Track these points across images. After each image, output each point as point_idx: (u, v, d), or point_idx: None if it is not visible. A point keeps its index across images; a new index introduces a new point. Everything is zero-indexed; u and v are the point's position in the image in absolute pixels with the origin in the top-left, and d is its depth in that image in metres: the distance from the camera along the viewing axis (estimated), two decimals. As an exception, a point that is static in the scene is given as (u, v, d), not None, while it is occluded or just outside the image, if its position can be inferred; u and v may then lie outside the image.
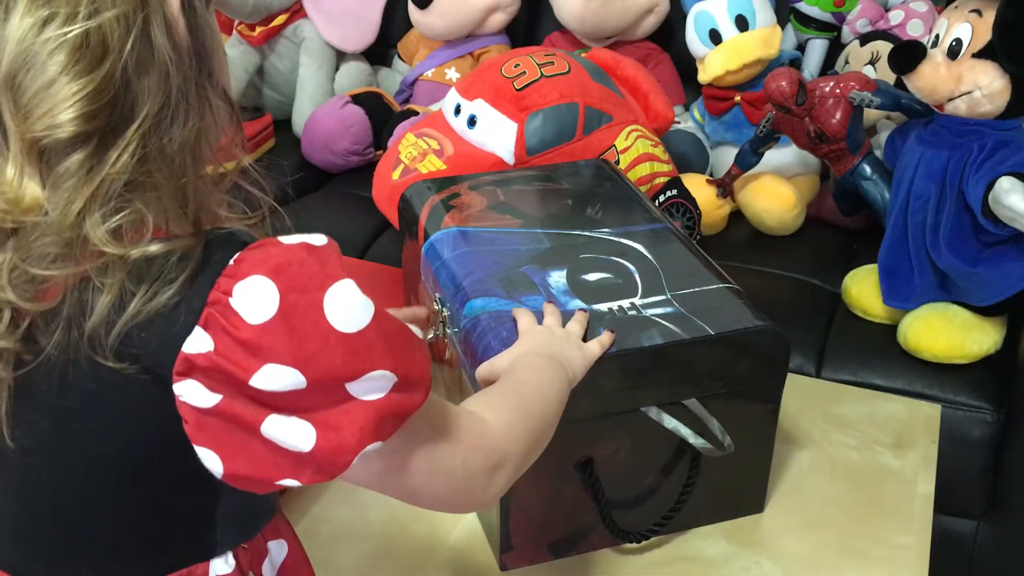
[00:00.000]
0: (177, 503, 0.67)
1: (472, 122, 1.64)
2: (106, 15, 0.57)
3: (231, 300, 0.58)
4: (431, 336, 1.10)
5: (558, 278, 1.04)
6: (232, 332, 0.58)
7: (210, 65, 0.64)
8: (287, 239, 0.61)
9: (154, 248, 0.59)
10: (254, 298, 0.58)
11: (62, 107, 0.57)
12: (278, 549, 0.76)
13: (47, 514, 0.66)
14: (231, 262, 0.59)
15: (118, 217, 0.58)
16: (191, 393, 0.59)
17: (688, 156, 1.87)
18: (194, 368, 0.58)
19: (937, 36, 1.43)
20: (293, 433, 0.60)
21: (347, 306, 0.60)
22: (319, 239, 0.61)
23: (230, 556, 0.70)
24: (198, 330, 0.58)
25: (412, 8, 2.10)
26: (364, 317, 0.60)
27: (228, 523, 0.69)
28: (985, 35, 1.37)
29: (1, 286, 0.58)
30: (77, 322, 0.59)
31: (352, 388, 0.60)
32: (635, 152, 1.59)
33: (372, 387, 0.61)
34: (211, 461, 0.61)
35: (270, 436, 0.60)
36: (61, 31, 0.57)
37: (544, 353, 0.87)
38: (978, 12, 1.38)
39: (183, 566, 0.68)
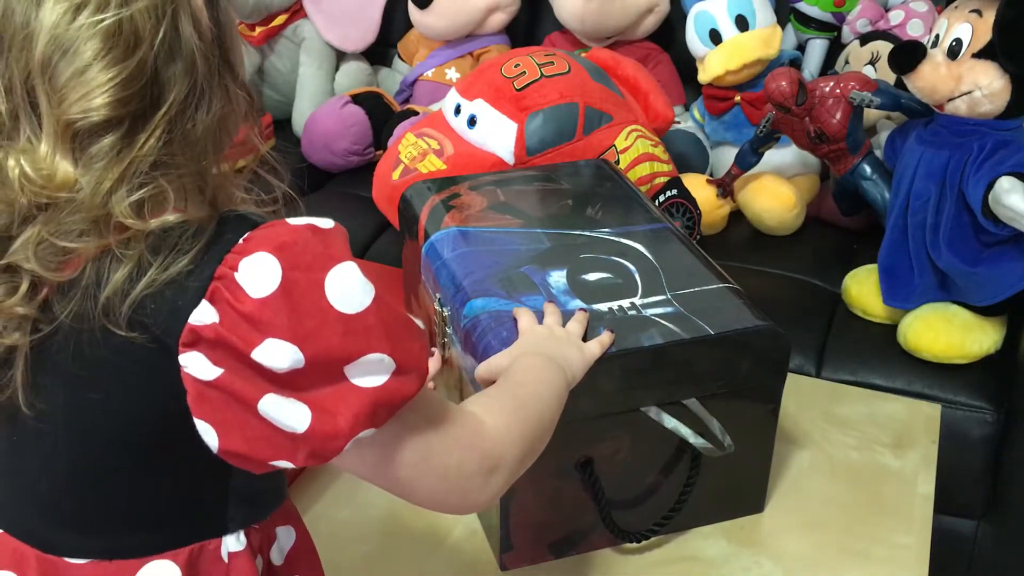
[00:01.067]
0: (189, 476, 0.67)
1: (472, 122, 1.64)
2: (138, 5, 0.60)
3: (236, 275, 0.60)
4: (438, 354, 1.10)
5: (558, 278, 1.04)
6: (235, 305, 0.60)
7: (230, 56, 0.67)
8: (295, 220, 0.63)
9: (172, 219, 0.62)
10: (257, 273, 0.60)
11: (97, 92, 0.59)
12: (286, 535, 0.77)
13: (65, 484, 0.67)
14: (240, 240, 0.61)
15: (141, 192, 0.61)
16: (195, 365, 0.60)
17: (688, 156, 1.87)
18: (200, 340, 0.60)
19: (937, 36, 1.43)
20: (289, 413, 0.61)
21: (348, 287, 0.62)
22: (326, 222, 0.63)
23: (242, 535, 0.71)
24: (204, 303, 0.60)
25: (412, 8, 2.10)
26: (364, 299, 0.62)
27: (240, 501, 0.70)
28: (985, 35, 1.37)
29: (26, 256, 0.61)
30: (93, 292, 0.61)
31: (349, 371, 0.62)
32: (635, 152, 1.59)
33: (369, 371, 0.62)
34: (209, 435, 0.62)
35: (266, 414, 0.61)
36: (95, 19, 0.59)
37: (543, 354, 0.87)
38: (978, 12, 1.38)
39: (196, 540, 0.69)
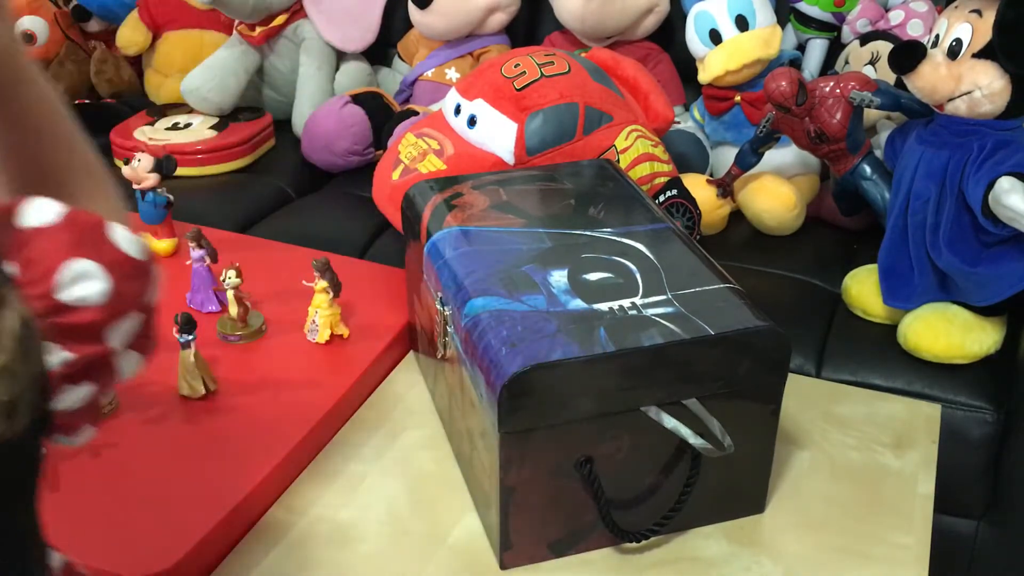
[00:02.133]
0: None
1: (472, 122, 1.64)
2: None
3: (59, 297, 0.56)
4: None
5: (559, 277, 1.04)
6: (78, 322, 0.57)
7: None
8: (31, 222, 0.57)
9: None
10: (79, 282, 0.57)
11: None
12: None
13: None
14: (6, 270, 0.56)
15: None
16: (70, 398, 0.58)
17: (688, 156, 1.87)
18: (71, 374, 0.57)
19: (937, 36, 1.43)
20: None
21: (125, 240, 0.61)
22: (50, 206, 0.59)
23: None
24: (49, 346, 0.56)
25: (412, 8, 2.10)
26: (137, 243, 0.61)
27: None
28: (985, 35, 1.37)
29: None
30: None
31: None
32: (635, 152, 1.59)
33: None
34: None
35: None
36: None
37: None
38: (978, 12, 1.38)
39: None
